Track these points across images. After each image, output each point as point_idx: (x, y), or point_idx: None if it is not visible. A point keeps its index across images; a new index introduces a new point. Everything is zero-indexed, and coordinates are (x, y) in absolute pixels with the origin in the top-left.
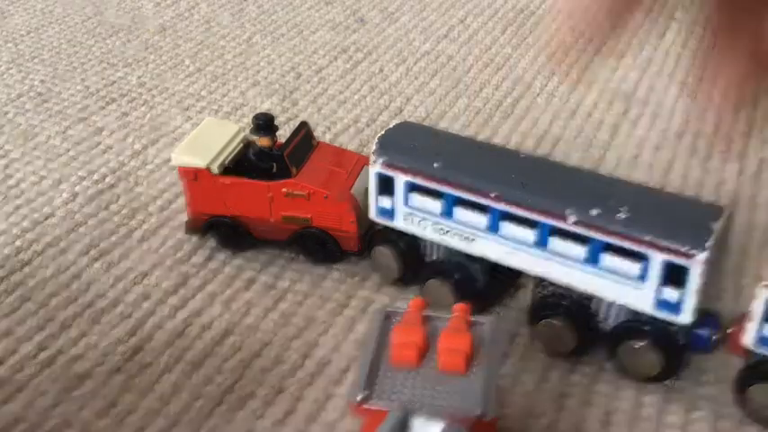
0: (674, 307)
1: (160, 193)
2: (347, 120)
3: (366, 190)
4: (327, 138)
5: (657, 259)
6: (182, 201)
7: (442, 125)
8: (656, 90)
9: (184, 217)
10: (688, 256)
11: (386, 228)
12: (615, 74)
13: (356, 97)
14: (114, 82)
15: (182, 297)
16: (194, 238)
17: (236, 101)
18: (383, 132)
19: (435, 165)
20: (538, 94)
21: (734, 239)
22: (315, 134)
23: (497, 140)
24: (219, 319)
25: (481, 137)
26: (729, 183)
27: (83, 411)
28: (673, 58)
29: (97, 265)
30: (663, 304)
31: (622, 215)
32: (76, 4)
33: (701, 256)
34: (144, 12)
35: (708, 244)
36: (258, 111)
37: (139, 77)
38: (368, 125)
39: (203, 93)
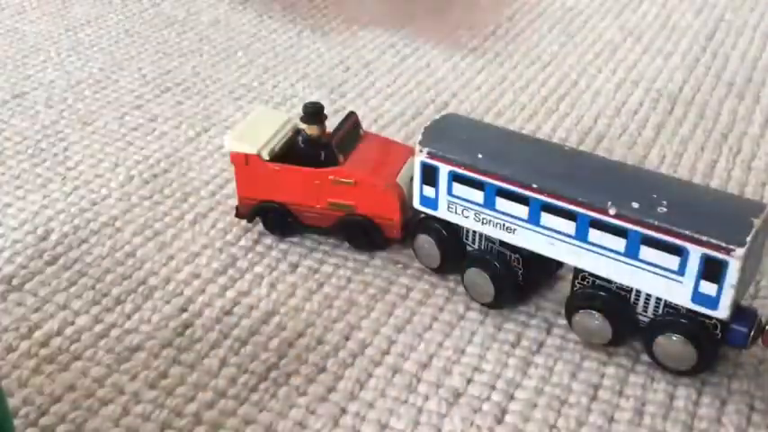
0: (712, 301)
1: (211, 179)
2: (393, 112)
3: (411, 179)
4: (374, 130)
5: (696, 253)
6: (232, 186)
7: (487, 120)
8: (702, 90)
9: (234, 201)
10: (726, 250)
11: (428, 217)
12: (660, 73)
13: (403, 91)
14: (169, 71)
15: (230, 277)
16: (243, 222)
17: (285, 92)
18: (429, 123)
19: (478, 156)
20: (584, 92)
21: None
22: (362, 124)
23: (541, 136)
24: (266, 300)
25: (525, 132)
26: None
27: (134, 382)
28: (721, 58)
29: (151, 244)
30: (700, 298)
31: (662, 209)
32: None
33: (740, 251)
34: (199, 4)
35: (746, 239)
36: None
37: (194, 67)
38: (413, 118)
39: (254, 84)
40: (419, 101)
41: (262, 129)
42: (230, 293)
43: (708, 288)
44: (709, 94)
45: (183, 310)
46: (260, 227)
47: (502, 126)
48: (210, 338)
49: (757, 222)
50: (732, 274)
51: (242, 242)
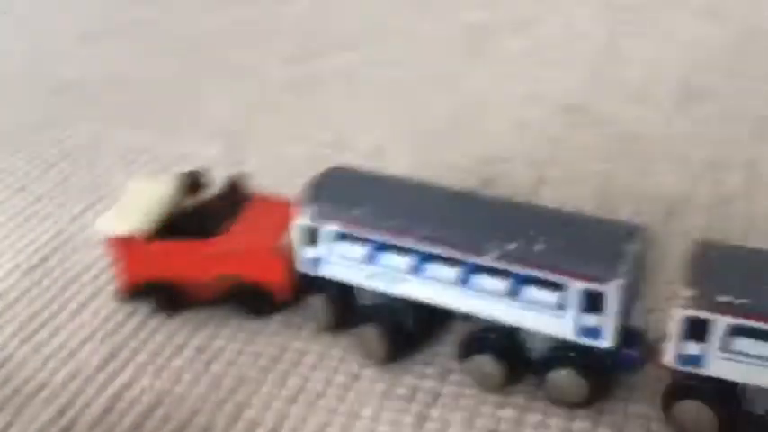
0: (595, 332)
1: (96, 260)
2: (294, 156)
3: (295, 240)
4: (277, 177)
5: (575, 287)
6: (110, 272)
7: (395, 147)
8: (604, 101)
9: (115, 285)
10: (603, 281)
11: (316, 277)
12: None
13: (302, 134)
14: (58, 142)
15: (111, 371)
16: (127, 307)
17: (180, 149)
18: (311, 180)
19: (359, 211)
20: (486, 109)
21: (675, 245)
22: (262, 176)
23: (450, 158)
24: (149, 391)
25: (433, 156)
26: (670, 186)
27: None
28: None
29: (26, 347)
30: (584, 330)
31: (540, 246)
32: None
33: (617, 282)
34: (91, 59)
35: (622, 269)
36: (204, 158)
37: (83, 133)
38: (320, 162)
39: (149, 144)
40: (317, 144)
41: (137, 205)
42: (111, 390)
43: (590, 320)
44: (608, 103)
45: (61, 415)
46: (146, 308)
47: (386, 174)
48: None
49: (632, 249)
50: (612, 304)
51: (125, 328)
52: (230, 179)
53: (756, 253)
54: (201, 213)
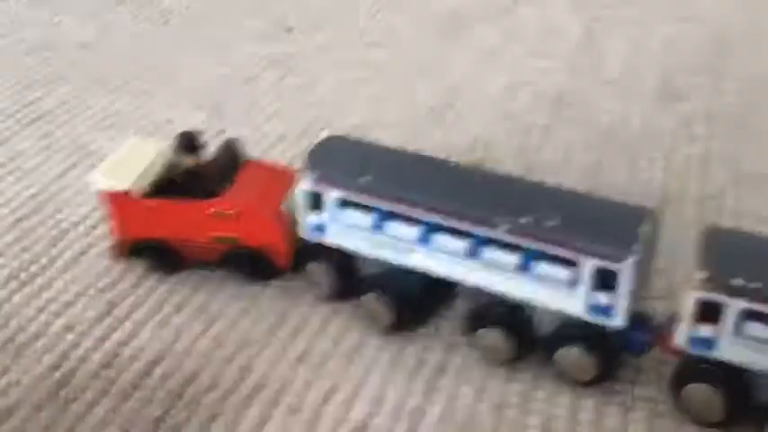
0: (606, 311)
1: (83, 218)
2: (277, 132)
3: (296, 206)
4: (258, 151)
5: (588, 265)
6: (102, 229)
7: (374, 134)
8: (584, 91)
9: (109, 242)
10: (617, 260)
11: (317, 244)
12: (550, 77)
13: (285, 108)
14: (32, 102)
15: (108, 326)
16: (121, 264)
17: (162, 117)
18: (312, 147)
19: (365, 179)
20: (472, 98)
21: (664, 238)
22: (245, 148)
23: (430, 146)
24: (148, 348)
25: (413, 144)
26: (657, 181)
27: None
28: (598, 58)
29: (17, 297)
30: (595, 309)
31: (552, 222)
32: None
33: (630, 260)
34: (63, 28)
35: (635, 247)
36: (186, 126)
37: (60, 96)
38: (299, 137)
39: (128, 109)
40: (303, 118)
41: (133, 162)
42: (108, 344)
43: (601, 298)
44: (590, 94)
45: (56, 368)
46: (141, 267)
47: (387, 145)
48: (88, 397)
49: (645, 229)
50: (624, 283)
51: (121, 285)
52: (226, 142)
53: None
54: (197, 174)
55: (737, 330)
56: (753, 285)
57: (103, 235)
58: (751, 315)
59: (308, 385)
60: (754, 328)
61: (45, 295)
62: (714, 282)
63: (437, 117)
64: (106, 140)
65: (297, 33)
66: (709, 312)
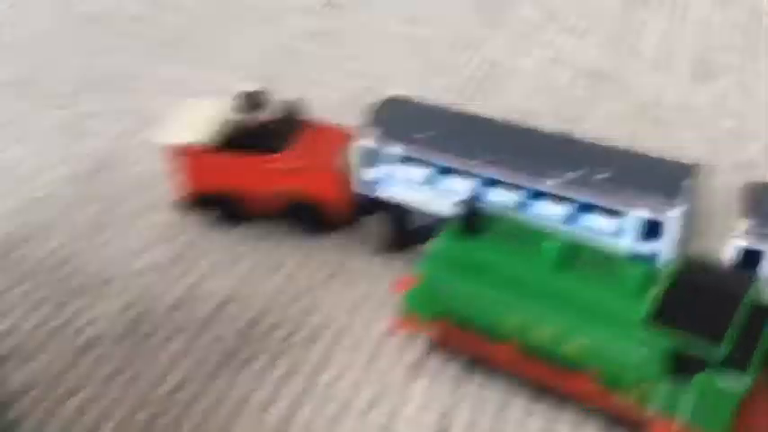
0: (651, 260)
1: (146, 177)
2: (326, 101)
3: (355, 162)
4: (310, 117)
5: (634, 215)
6: (171, 181)
7: None
8: (624, 65)
9: (172, 198)
10: (662, 210)
11: (374, 199)
12: (587, 52)
13: (335, 77)
14: (94, 68)
15: (178, 271)
16: (187, 216)
17: (216, 84)
18: (373, 106)
19: (422, 135)
20: (511, 72)
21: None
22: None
23: None
24: (217, 290)
25: None
26: (691, 152)
27: (92, 376)
28: (635, 34)
29: (87, 247)
30: (640, 258)
31: (600, 176)
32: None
33: (675, 211)
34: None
35: (681, 200)
36: (236, 94)
37: (120, 63)
38: (348, 105)
39: (184, 77)
40: (350, 87)
41: (198, 120)
42: (180, 286)
43: (646, 247)
44: (628, 68)
45: (131, 305)
46: (204, 220)
47: (442, 105)
48: (163, 333)
49: (689, 183)
50: (669, 233)
51: (186, 235)
52: (288, 102)
53: None
54: (261, 132)
55: None
56: None
57: (169, 190)
58: None
59: (366, 326)
60: None
61: (117, 243)
62: (755, 231)
63: (478, 89)
64: (164, 106)
65: (340, 8)
66: (750, 259)
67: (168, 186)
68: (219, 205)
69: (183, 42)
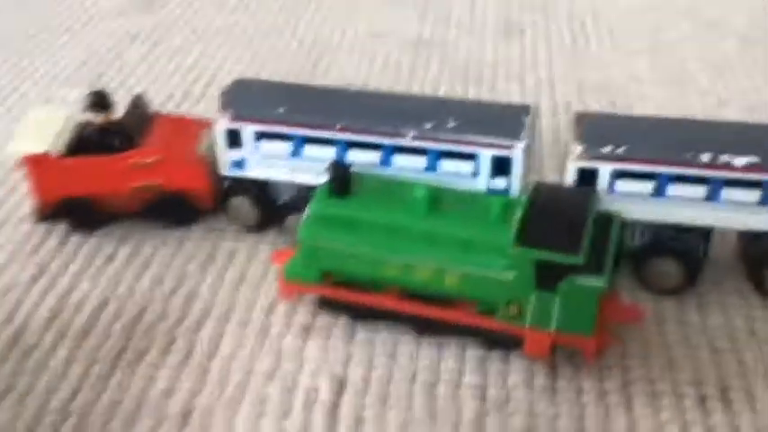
0: (504, 192)
1: None
2: (161, 96)
3: (212, 148)
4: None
5: (486, 155)
6: (16, 197)
7: None
8: (440, 32)
9: (24, 211)
10: (510, 147)
11: (236, 180)
12: (399, 24)
13: (164, 75)
14: None
15: (47, 282)
16: (43, 227)
17: (45, 94)
18: (223, 90)
19: (278, 110)
20: (337, 50)
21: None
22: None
23: None
24: (91, 296)
25: None
26: (515, 99)
27: None
28: (445, 9)
29: None
30: (494, 192)
31: (450, 125)
32: None
33: (520, 146)
34: None
35: (523, 135)
36: (66, 100)
37: None
38: (184, 98)
39: (7, 90)
40: (184, 82)
41: (45, 127)
42: (52, 297)
43: (499, 183)
44: (444, 36)
45: (8, 322)
46: (62, 227)
47: (289, 82)
48: (47, 342)
49: (528, 121)
50: (518, 167)
51: (49, 244)
52: (135, 98)
53: (625, 118)
54: (111, 131)
55: (610, 189)
56: (618, 151)
57: (15, 206)
58: (619, 175)
59: (251, 303)
60: (623, 185)
61: None
62: (589, 153)
63: (309, 69)
64: None
65: (157, 7)
66: (586, 179)
67: (16, 202)
68: (77, 210)
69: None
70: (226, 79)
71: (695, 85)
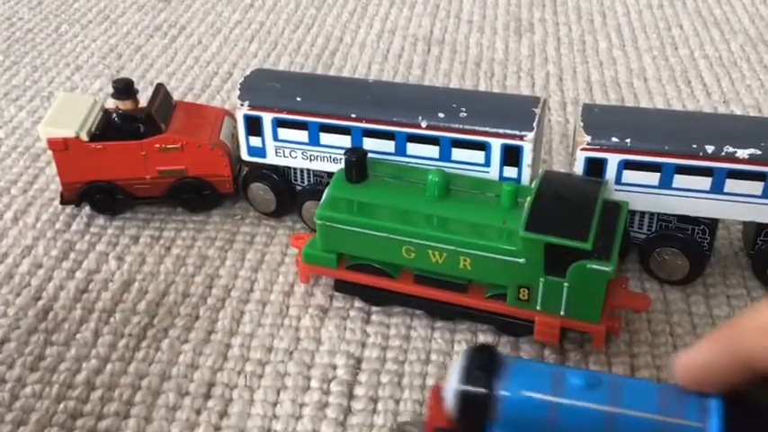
0: (516, 182)
1: (17, 177)
2: (182, 89)
3: (232, 137)
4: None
5: (497, 145)
6: (43, 179)
7: None
8: (451, 30)
9: (51, 194)
10: (521, 138)
11: (256, 166)
12: (410, 21)
13: (183, 68)
14: None
15: (74, 260)
16: (69, 209)
17: (64, 86)
18: (243, 79)
19: (296, 99)
20: (351, 45)
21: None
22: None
23: None
24: (118, 273)
25: None
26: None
27: (12, 369)
28: (456, 2)
29: None
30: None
31: (463, 114)
32: None
33: (531, 136)
34: None
35: (533, 126)
36: (89, 92)
37: None
38: (203, 90)
39: (28, 83)
40: (203, 75)
41: (72, 112)
42: (80, 274)
43: (510, 172)
44: (455, 33)
45: (38, 297)
46: (87, 211)
47: (307, 73)
48: (75, 316)
49: (539, 111)
50: (527, 156)
51: (74, 227)
52: (158, 86)
53: (632, 109)
54: (137, 116)
55: (618, 180)
56: (626, 141)
57: (43, 188)
58: (628, 165)
59: (270, 285)
60: (630, 176)
61: (4, 243)
62: (597, 143)
63: (324, 63)
64: (16, 110)
65: (176, 2)
66: (595, 168)
67: (43, 185)
68: (102, 194)
69: (17, 51)
70: (243, 72)
71: (702, 83)
